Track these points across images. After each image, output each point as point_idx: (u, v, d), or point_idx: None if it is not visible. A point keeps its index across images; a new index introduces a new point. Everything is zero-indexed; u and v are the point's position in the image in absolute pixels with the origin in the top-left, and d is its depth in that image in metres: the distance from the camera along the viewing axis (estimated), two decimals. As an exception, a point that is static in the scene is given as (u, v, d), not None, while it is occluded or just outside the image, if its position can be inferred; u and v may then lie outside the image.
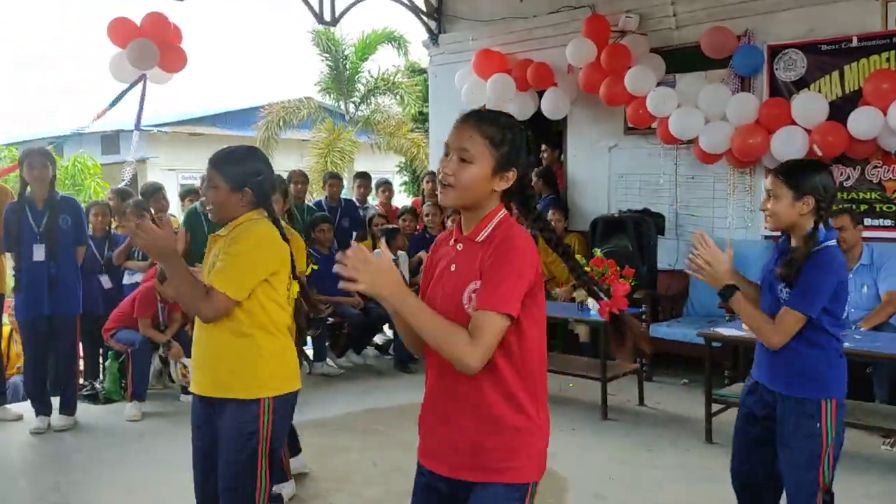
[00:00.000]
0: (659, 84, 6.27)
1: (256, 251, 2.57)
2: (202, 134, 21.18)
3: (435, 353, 1.85)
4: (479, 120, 1.87)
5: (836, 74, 5.75)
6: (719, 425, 4.67)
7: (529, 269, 1.81)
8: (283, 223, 3.96)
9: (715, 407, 4.66)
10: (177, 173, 19.11)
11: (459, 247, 1.93)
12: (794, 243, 2.68)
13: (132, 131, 6.76)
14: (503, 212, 1.91)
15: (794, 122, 5.60)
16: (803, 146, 5.54)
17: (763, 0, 6.07)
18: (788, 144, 5.58)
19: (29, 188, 4.95)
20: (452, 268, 1.92)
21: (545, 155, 7.79)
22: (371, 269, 1.70)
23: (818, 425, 2.55)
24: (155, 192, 6.77)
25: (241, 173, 2.63)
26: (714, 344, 4.80)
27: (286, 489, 3.87)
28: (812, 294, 2.55)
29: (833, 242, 2.62)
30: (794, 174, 2.63)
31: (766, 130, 5.71)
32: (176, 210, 8.76)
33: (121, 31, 6.09)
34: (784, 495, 2.70)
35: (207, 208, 2.69)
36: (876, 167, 5.67)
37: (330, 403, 5.54)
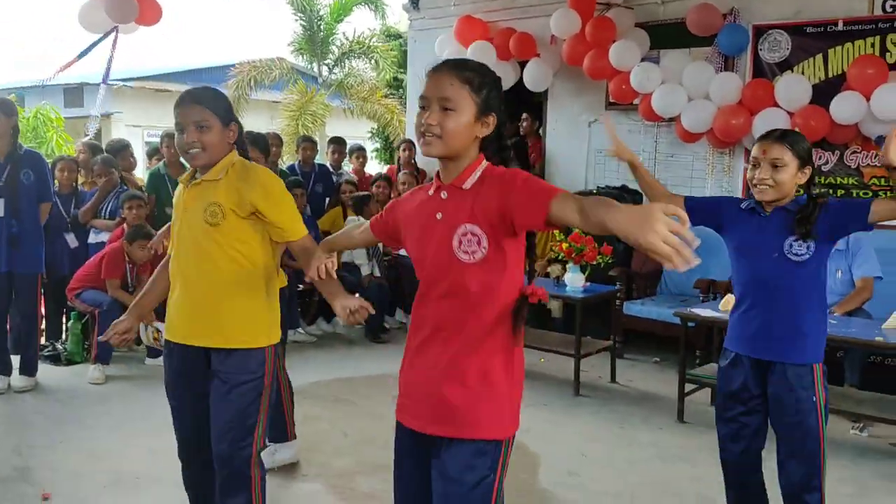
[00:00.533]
0: (643, 60, 6.20)
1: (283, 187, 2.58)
2: (169, 91, 20.67)
3: (424, 309, 1.92)
4: (457, 67, 1.85)
5: (820, 58, 5.74)
6: (691, 405, 4.70)
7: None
8: None
9: (688, 387, 4.67)
10: (142, 130, 18.66)
11: (444, 195, 1.90)
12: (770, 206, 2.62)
13: (97, 85, 6.52)
14: (485, 162, 1.89)
15: (776, 105, 5.59)
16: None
17: (751, -21, 6.02)
18: (770, 126, 5.52)
19: None
20: (438, 216, 1.89)
21: (525, 124, 7.68)
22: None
23: (814, 396, 2.59)
24: (122, 150, 6.56)
25: (228, 107, 2.56)
26: (689, 324, 4.80)
27: (287, 452, 3.82)
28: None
29: None
30: (799, 142, 2.57)
31: (749, 111, 5.69)
32: (142, 169, 8.54)
33: None
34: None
35: (192, 151, 2.46)
36: (855, 153, 5.69)
37: (300, 372, 5.42)
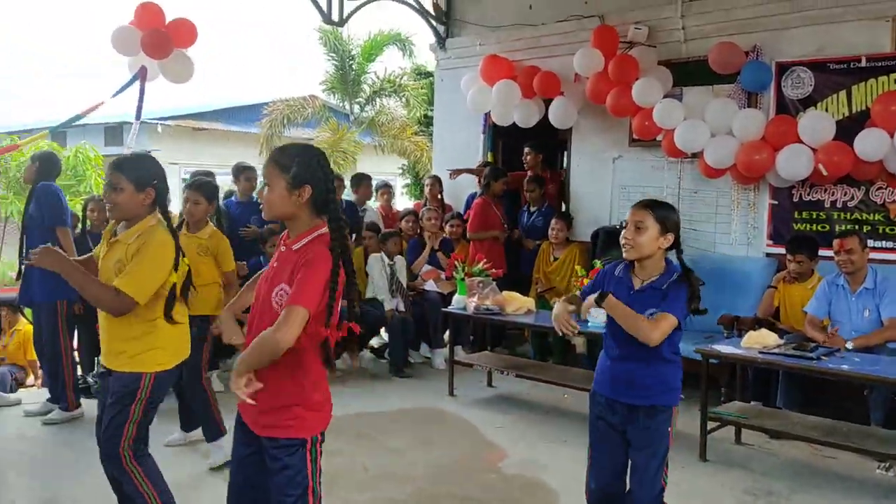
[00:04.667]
0: (665, 97, 6.23)
1: (159, 259, 2.95)
2: (205, 129, 21.15)
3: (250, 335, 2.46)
4: (273, 155, 2.47)
5: (843, 94, 5.73)
6: (714, 443, 4.64)
7: (321, 266, 2.35)
8: (214, 224, 4.39)
9: (710, 424, 4.62)
10: (179, 167, 19.07)
11: (283, 248, 2.49)
12: (641, 271, 2.98)
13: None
14: (324, 230, 2.43)
15: (800, 140, 5.57)
16: (808, 165, 5.51)
17: (772, 17, 6.04)
18: (794, 162, 5.55)
19: None
20: (275, 264, 2.49)
21: (528, 158, 7.52)
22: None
23: (668, 429, 2.97)
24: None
25: (146, 175, 2.97)
26: (711, 361, 4.76)
27: (219, 454, 4.22)
28: (683, 306, 2.92)
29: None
30: (663, 211, 2.94)
31: (772, 147, 5.68)
32: (176, 205, 8.72)
33: (146, 16, 6.11)
34: None
35: (108, 208, 2.99)
36: (880, 188, 5.64)
37: (323, 406, 5.49)
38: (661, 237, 2.91)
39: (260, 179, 7.72)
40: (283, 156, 2.45)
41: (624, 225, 2.99)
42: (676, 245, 2.96)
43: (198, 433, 4.51)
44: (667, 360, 2.95)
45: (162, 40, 6.07)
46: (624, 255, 2.99)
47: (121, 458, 2.98)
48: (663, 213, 2.93)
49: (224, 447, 4.12)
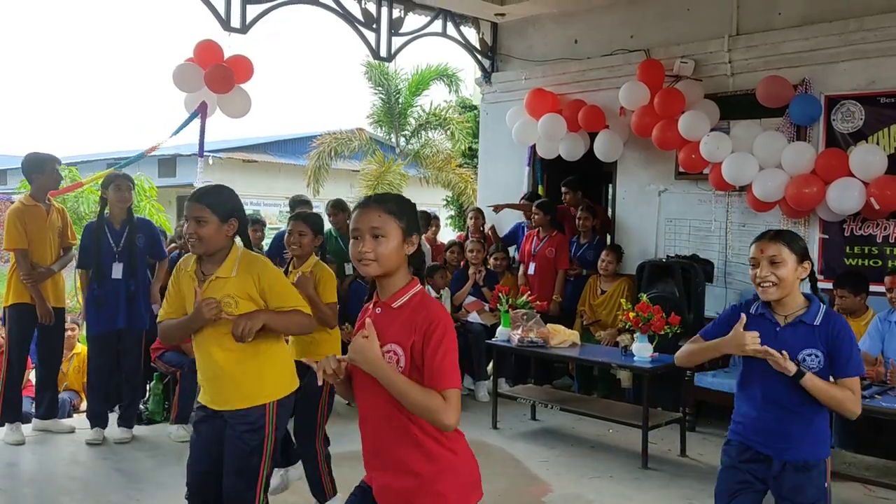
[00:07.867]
0: (712, 130, 6.21)
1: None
2: (255, 161, 21.62)
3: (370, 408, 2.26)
4: (379, 201, 2.19)
5: (895, 128, 5.64)
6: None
7: (454, 338, 2.14)
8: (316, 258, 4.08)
9: (760, 462, 4.52)
10: (229, 198, 19.51)
11: (378, 311, 2.22)
12: (781, 308, 2.71)
13: (189, 156, 6.94)
14: (418, 286, 2.22)
15: (851, 174, 5.50)
16: (860, 199, 5.43)
17: (821, 51, 6.00)
18: (845, 196, 5.48)
19: (108, 209, 5.21)
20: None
21: (567, 197, 7.44)
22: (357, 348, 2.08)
23: (825, 484, 2.69)
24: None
25: (228, 206, 2.94)
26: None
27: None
28: (859, 355, 2.69)
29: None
30: (794, 240, 2.70)
31: (822, 181, 5.61)
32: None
33: (206, 53, 6.32)
34: None
35: (191, 242, 2.89)
36: (935, 223, 5.53)
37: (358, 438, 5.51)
38: (800, 267, 2.67)
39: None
40: (393, 202, 2.20)
41: (755, 262, 2.69)
42: (812, 274, 2.74)
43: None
44: (818, 409, 2.67)
45: (225, 75, 6.26)
46: (762, 296, 2.70)
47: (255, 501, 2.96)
48: (796, 242, 2.69)
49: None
